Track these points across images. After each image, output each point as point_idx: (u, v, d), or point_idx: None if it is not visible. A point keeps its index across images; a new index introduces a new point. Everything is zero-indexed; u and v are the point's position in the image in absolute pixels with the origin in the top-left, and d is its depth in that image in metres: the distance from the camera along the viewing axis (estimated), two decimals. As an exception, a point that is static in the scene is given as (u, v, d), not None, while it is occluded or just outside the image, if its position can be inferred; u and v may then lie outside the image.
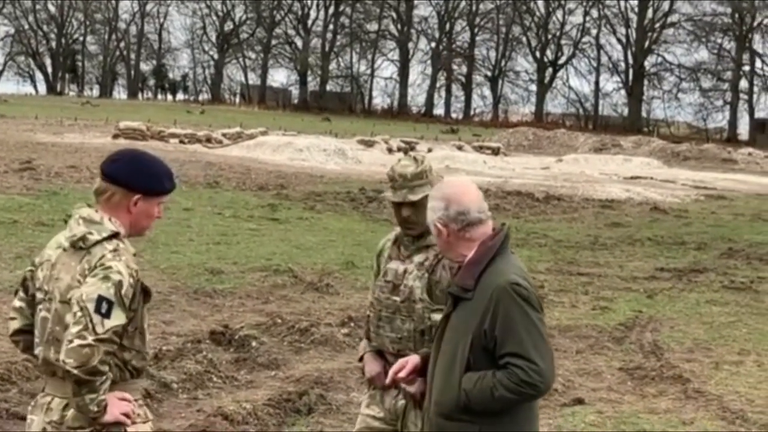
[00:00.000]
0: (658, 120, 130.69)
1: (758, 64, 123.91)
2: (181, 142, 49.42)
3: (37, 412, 4.65)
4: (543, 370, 4.53)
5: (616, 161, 57.95)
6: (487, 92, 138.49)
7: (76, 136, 50.02)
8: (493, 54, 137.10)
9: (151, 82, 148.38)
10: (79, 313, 4.33)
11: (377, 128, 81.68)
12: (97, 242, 4.53)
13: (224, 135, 53.24)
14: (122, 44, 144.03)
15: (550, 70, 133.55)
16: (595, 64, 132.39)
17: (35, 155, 35.24)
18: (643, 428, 9.20)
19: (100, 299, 4.37)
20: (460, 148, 60.01)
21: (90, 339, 4.31)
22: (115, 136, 48.33)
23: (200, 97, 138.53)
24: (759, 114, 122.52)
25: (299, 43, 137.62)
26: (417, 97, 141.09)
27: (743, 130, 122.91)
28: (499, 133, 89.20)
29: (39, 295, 4.63)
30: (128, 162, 4.68)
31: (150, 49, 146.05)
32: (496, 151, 61.10)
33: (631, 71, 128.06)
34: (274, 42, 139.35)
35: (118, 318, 4.41)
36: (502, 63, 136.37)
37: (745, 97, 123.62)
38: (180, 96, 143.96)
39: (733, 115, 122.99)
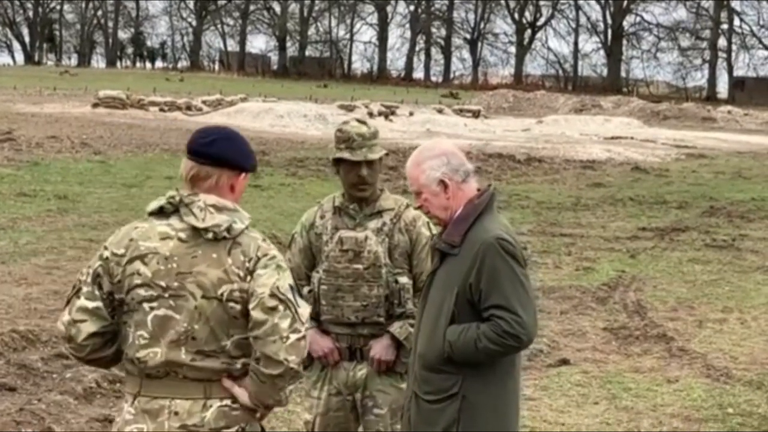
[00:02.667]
0: (637, 80, 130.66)
1: (736, 21, 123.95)
2: (161, 110, 49.29)
3: (145, 419, 4.16)
4: (526, 322, 4.62)
5: (596, 122, 57.94)
6: (467, 55, 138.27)
7: (56, 106, 49.82)
8: (471, 16, 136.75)
9: (130, 50, 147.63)
10: (282, 306, 4.07)
11: (357, 93, 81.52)
12: (242, 231, 4.21)
13: (204, 102, 53.13)
14: (99, 12, 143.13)
15: (528, 31, 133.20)
16: (573, 25, 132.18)
17: (15, 126, 35.09)
18: (628, 387, 9.27)
19: (292, 289, 4.17)
20: (440, 111, 59.94)
21: (303, 331, 4.09)
22: (95, 105, 48.16)
23: (179, 65, 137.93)
24: (738, 72, 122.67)
25: (278, 8, 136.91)
26: (396, 61, 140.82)
27: (722, 88, 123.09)
28: (479, 95, 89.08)
29: (143, 292, 4.14)
30: (228, 140, 4.36)
31: (128, 17, 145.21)
32: (476, 114, 61.02)
33: (609, 31, 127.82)
34: (252, 8, 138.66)
35: (304, 306, 4.22)
36: (481, 25, 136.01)
37: (724, 55, 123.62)
38: (159, 64, 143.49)
39: (711, 74, 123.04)
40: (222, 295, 4.11)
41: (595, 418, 8.45)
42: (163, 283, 4.13)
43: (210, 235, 4.15)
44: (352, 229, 5.69)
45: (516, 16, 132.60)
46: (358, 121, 5.83)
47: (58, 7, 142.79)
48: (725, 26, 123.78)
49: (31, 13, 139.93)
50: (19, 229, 15.89)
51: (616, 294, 13.18)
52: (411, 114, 55.05)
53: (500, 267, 4.65)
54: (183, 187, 4.32)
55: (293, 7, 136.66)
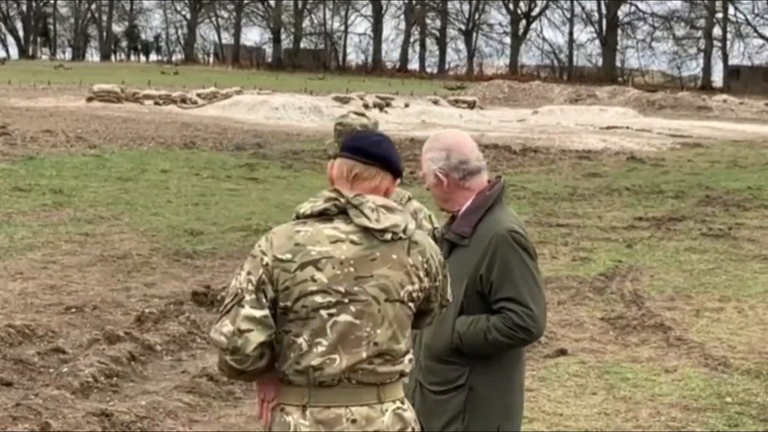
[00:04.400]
0: (632, 69, 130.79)
1: (731, 10, 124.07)
2: (156, 103, 49.24)
3: (320, 430, 4.04)
4: (536, 316, 4.63)
5: (591, 112, 57.92)
6: (462, 46, 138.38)
7: (50, 100, 49.75)
8: (466, 7, 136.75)
9: (124, 43, 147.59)
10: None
11: (352, 85, 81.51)
12: (414, 230, 4.17)
13: (199, 95, 53.08)
14: (93, 6, 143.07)
15: (523, 22, 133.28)
16: (568, 15, 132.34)
17: (9, 120, 35.04)
18: (626, 377, 9.26)
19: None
20: (435, 102, 59.94)
21: None
22: (90, 99, 48.10)
23: (173, 58, 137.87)
24: (733, 61, 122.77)
25: (272, 0, 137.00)
26: (391, 53, 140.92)
27: (717, 77, 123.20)
28: (475, 86, 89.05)
29: (319, 299, 4.00)
30: (390, 142, 4.25)
31: (122, 10, 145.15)
32: (471, 105, 61.00)
33: (604, 21, 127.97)
34: (246, 0, 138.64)
35: None
36: (476, 16, 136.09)
37: (719, 44, 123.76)
38: (153, 57, 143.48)
39: (707, 63, 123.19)
40: (403, 296, 4.07)
41: (593, 408, 8.44)
42: (341, 289, 4.01)
43: (388, 236, 4.05)
44: None
45: (511, 6, 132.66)
46: (356, 113, 5.78)
47: (52, 1, 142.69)
48: (720, 15, 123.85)
49: (24, 8, 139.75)
50: (15, 224, 15.86)
51: (613, 284, 13.16)
52: (406, 105, 55.05)
53: (512, 259, 4.65)
54: (335, 187, 4.16)
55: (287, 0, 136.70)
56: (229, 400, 8.42)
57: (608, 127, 46.38)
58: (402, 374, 4.12)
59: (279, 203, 19.10)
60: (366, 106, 51.54)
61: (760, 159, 33.35)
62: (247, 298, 3.99)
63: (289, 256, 4.01)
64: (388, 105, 54.14)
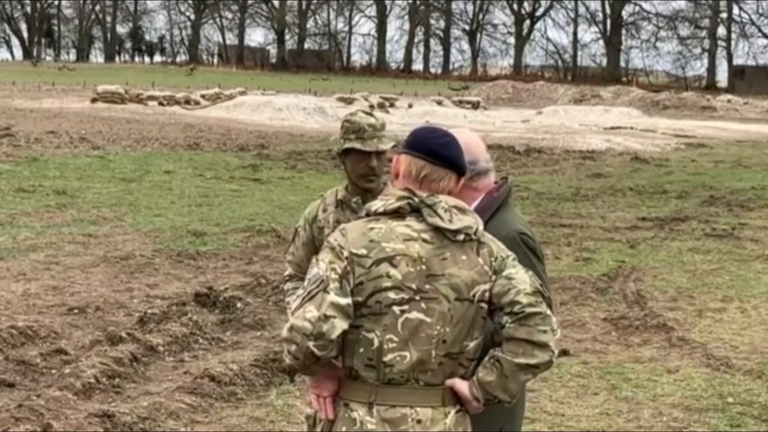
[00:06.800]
0: (636, 69, 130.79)
1: (735, 10, 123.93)
2: (160, 104, 49.32)
3: (385, 428, 4.06)
4: None
5: (595, 112, 57.91)
6: (466, 46, 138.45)
7: (54, 101, 49.82)
8: (470, 8, 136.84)
9: (128, 44, 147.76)
10: (545, 303, 4.09)
11: (356, 85, 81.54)
12: (483, 232, 4.20)
13: (203, 96, 53.10)
14: (98, 7, 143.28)
15: (527, 22, 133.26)
16: (572, 15, 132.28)
17: (13, 121, 35.10)
18: (628, 377, 9.25)
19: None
20: (439, 103, 59.96)
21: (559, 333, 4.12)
22: (94, 101, 48.18)
23: (177, 59, 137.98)
24: (737, 61, 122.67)
25: (276, 1, 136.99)
26: (395, 53, 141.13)
27: (722, 77, 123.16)
28: (479, 86, 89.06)
29: (393, 295, 4.02)
30: (457, 143, 4.28)
31: (126, 11, 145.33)
32: (475, 105, 61.02)
33: (608, 21, 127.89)
34: (250, 1, 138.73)
35: None
36: (480, 16, 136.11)
37: (723, 44, 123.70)
38: (157, 58, 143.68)
39: (711, 63, 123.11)
40: (474, 296, 4.08)
41: (595, 408, 8.44)
42: (414, 286, 4.05)
43: (461, 237, 4.09)
44: None
45: (515, 6, 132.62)
46: (365, 112, 5.77)
47: (56, 2, 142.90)
48: (724, 15, 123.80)
49: (29, 9, 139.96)
50: (18, 225, 15.87)
51: (615, 284, 13.15)
52: (410, 106, 55.10)
53: (520, 261, 4.63)
54: (402, 184, 4.21)
55: (291, 1, 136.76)
56: (231, 401, 8.42)
57: (612, 128, 46.36)
58: (463, 377, 4.14)
59: (282, 204, 19.10)
60: (370, 107, 51.55)
61: (764, 159, 33.36)
62: (332, 285, 3.99)
63: (364, 251, 4.05)
64: (392, 105, 54.20)
